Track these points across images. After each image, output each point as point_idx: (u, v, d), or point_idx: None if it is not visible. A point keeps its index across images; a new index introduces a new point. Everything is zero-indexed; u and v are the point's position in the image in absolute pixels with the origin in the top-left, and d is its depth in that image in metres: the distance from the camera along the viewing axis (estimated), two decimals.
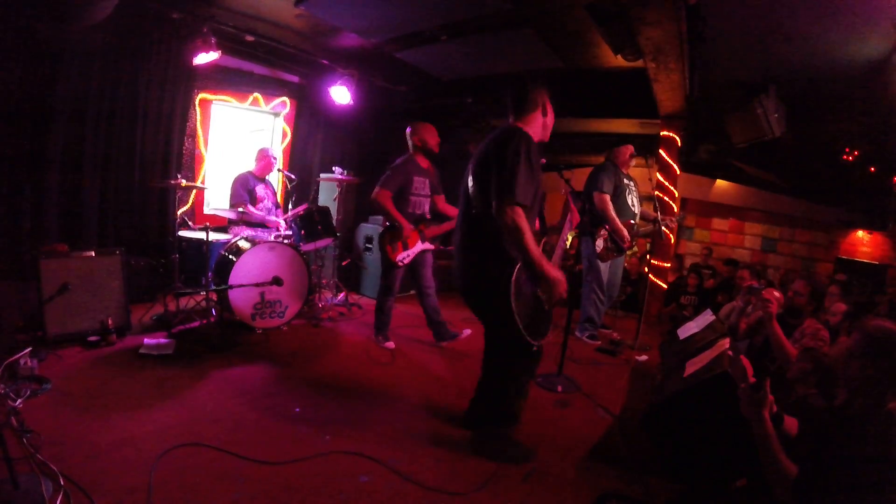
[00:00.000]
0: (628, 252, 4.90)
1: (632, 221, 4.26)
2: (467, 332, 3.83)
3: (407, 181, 3.55)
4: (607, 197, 4.13)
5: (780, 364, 2.57)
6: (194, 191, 4.84)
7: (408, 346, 3.79)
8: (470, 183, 2.16)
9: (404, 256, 3.53)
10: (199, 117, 4.89)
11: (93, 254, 3.28)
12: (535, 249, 1.95)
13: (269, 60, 5.20)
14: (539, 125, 2.23)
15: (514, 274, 1.98)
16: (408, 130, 3.65)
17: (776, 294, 2.78)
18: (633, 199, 4.36)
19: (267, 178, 4.51)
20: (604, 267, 4.31)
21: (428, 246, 3.62)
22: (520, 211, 1.93)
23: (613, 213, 4.13)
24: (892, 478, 1.27)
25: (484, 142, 2.19)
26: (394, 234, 3.53)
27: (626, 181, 4.35)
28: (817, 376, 2.27)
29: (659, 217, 4.31)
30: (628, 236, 4.19)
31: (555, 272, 2.04)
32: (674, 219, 4.85)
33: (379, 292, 3.72)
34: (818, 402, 2.07)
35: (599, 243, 4.15)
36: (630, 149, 4.39)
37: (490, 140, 2.14)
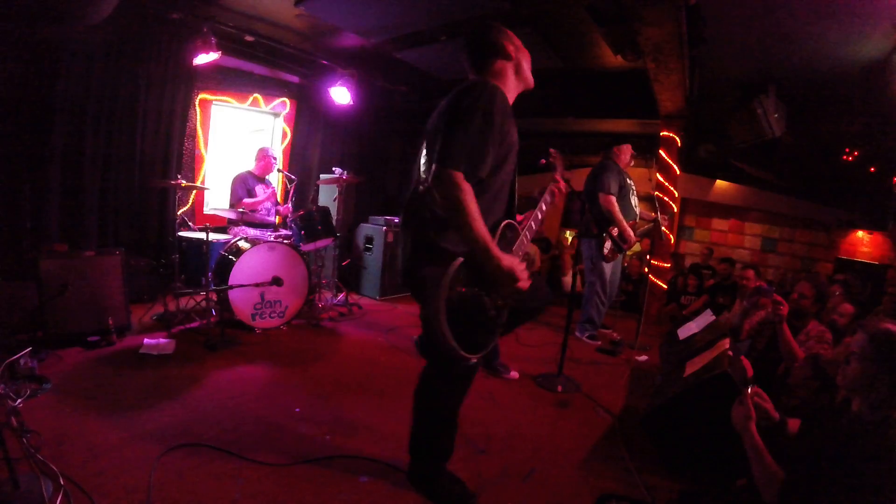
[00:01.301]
0: (628, 252, 4.90)
1: (633, 222, 4.27)
2: (514, 374, 3.38)
3: None
4: (613, 198, 4.10)
5: (787, 366, 2.57)
6: (194, 191, 4.85)
7: (409, 346, 3.79)
8: (422, 158, 1.71)
9: None
10: (199, 118, 4.89)
11: (93, 254, 3.28)
12: (481, 230, 1.50)
13: (269, 61, 5.20)
14: (510, 73, 1.80)
15: (450, 272, 1.51)
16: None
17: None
18: (635, 200, 4.36)
19: (267, 177, 4.52)
20: (608, 268, 4.31)
21: None
22: (462, 181, 1.49)
23: (620, 215, 4.11)
24: (890, 478, 1.27)
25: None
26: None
27: (629, 181, 4.34)
28: (817, 382, 2.27)
29: (658, 216, 4.30)
30: (634, 237, 4.19)
31: (508, 261, 1.55)
32: (665, 217, 4.85)
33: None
34: (818, 405, 2.08)
35: (608, 245, 4.11)
36: (630, 148, 4.38)
37: (446, 99, 1.70)
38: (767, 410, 1.68)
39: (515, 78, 1.82)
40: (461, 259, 1.54)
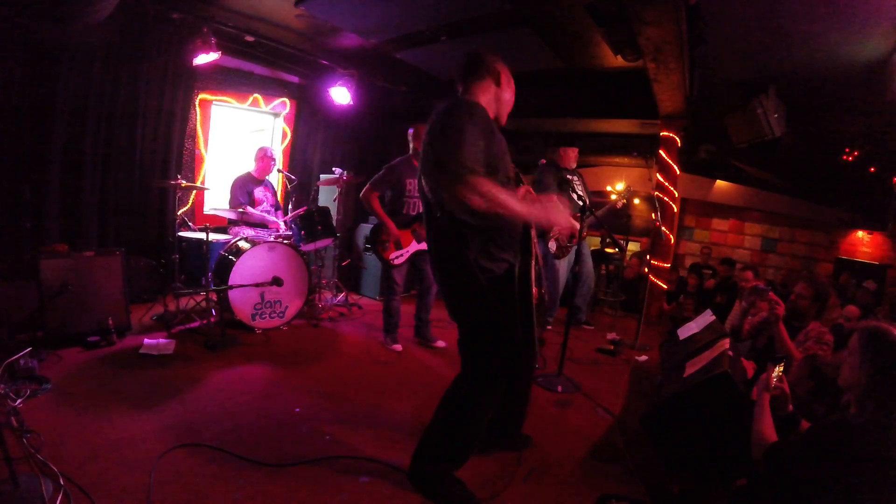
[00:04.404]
0: (626, 252, 4.92)
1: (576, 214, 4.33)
2: (441, 343, 3.83)
3: (399, 183, 3.56)
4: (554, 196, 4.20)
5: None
6: (194, 191, 4.85)
7: (410, 346, 3.79)
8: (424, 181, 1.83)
9: (397, 256, 3.55)
10: (199, 118, 4.89)
11: (93, 254, 3.28)
12: (517, 207, 1.64)
13: (270, 61, 5.20)
14: (492, 96, 1.90)
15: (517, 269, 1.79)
16: (410, 131, 3.63)
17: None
18: (575, 195, 4.47)
19: (266, 178, 4.51)
20: (560, 264, 4.48)
21: (423, 246, 3.60)
22: (480, 179, 1.58)
23: None
24: (889, 478, 1.27)
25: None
26: (379, 233, 3.56)
27: (568, 176, 4.47)
28: (814, 381, 2.28)
29: (616, 201, 4.48)
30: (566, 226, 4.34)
31: (554, 214, 1.77)
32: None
33: (382, 293, 3.74)
34: (819, 407, 2.08)
35: (552, 244, 4.28)
36: (572, 150, 4.57)
37: (429, 122, 1.78)
38: (784, 393, 1.73)
39: (495, 102, 1.92)
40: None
